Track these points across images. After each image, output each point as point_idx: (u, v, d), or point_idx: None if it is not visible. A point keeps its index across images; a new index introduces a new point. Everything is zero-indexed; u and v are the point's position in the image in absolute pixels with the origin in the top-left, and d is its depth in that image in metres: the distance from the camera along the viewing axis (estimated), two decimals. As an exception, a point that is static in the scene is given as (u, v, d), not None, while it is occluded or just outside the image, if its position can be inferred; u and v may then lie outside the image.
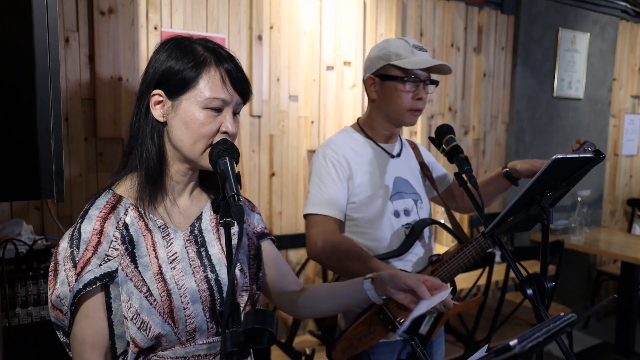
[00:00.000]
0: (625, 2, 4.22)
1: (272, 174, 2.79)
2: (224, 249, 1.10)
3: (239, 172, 0.95)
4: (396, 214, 1.63)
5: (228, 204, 0.88)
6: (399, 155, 1.72)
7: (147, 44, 2.38)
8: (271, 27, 2.70)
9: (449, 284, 1.65)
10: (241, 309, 1.15)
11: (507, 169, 1.71)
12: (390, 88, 1.59)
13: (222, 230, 1.12)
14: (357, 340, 1.60)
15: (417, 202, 1.69)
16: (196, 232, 1.09)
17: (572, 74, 3.99)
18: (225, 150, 0.96)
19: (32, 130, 1.17)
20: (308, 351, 2.46)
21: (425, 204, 1.72)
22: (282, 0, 2.72)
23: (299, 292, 1.22)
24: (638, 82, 4.64)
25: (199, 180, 1.13)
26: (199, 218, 1.11)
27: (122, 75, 2.32)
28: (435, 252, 1.71)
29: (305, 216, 1.64)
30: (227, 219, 0.87)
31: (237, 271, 1.11)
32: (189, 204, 1.11)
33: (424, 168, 1.79)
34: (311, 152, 2.90)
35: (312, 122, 2.88)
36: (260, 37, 2.67)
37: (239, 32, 2.61)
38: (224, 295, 1.07)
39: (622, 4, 4.20)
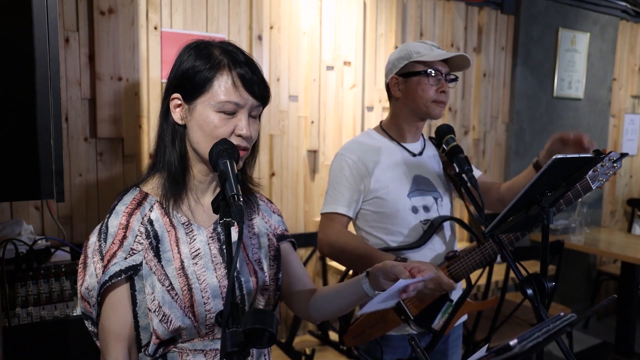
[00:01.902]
0: (625, 2, 4.22)
1: (272, 174, 2.79)
2: (246, 248, 1.13)
3: (239, 172, 0.95)
4: (414, 210, 1.66)
5: (228, 204, 0.88)
6: (420, 153, 1.75)
7: (147, 44, 2.38)
8: (271, 27, 2.70)
9: (462, 281, 1.67)
10: (261, 307, 1.15)
11: (537, 159, 1.72)
12: (414, 83, 1.65)
13: (245, 229, 1.15)
14: (369, 328, 1.63)
15: (437, 199, 1.71)
16: (219, 229, 1.11)
17: (572, 74, 3.99)
18: (225, 150, 0.96)
19: (32, 130, 1.17)
20: (308, 351, 2.46)
21: (446, 202, 1.74)
22: (282, 0, 2.72)
23: (311, 295, 1.22)
24: (638, 82, 4.64)
25: None
26: None
27: (122, 75, 2.32)
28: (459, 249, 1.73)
29: (321, 214, 1.71)
30: (227, 219, 0.87)
31: (257, 269, 1.12)
32: None
33: (448, 167, 1.80)
34: (311, 152, 2.91)
35: (312, 122, 2.88)
36: (260, 37, 2.67)
37: (239, 32, 2.61)
38: (244, 293, 1.09)
39: (622, 4, 4.20)
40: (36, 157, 1.17)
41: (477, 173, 1.87)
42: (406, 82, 1.67)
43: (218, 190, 1.13)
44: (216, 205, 0.91)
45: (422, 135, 1.81)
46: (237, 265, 1.09)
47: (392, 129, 1.75)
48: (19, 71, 1.15)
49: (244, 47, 2.61)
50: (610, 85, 4.31)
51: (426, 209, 1.68)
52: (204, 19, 2.51)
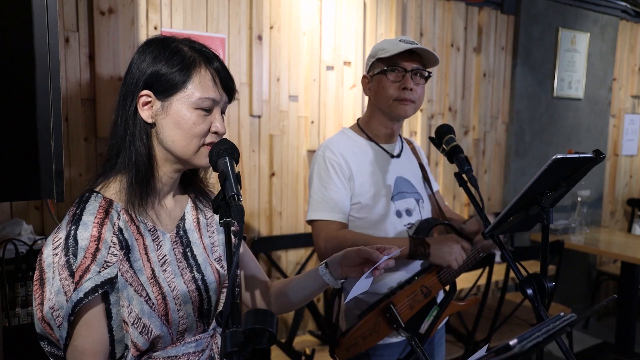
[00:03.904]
0: (625, 2, 4.22)
1: (272, 174, 2.79)
2: (206, 248, 1.13)
3: (238, 172, 0.95)
4: (398, 214, 1.64)
5: (228, 203, 0.89)
6: (399, 155, 1.72)
7: (147, 44, 2.38)
8: (271, 27, 2.70)
9: (448, 286, 1.66)
10: (221, 304, 1.14)
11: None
12: (377, 81, 1.63)
13: (203, 229, 1.14)
14: (361, 339, 1.61)
15: (418, 201, 1.69)
16: (181, 232, 1.10)
17: (572, 74, 3.99)
18: (225, 150, 0.96)
19: (32, 130, 1.17)
20: (308, 351, 2.46)
21: (426, 203, 1.72)
22: (282, 0, 2.72)
23: (268, 289, 1.25)
24: (638, 82, 4.64)
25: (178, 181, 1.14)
26: (183, 218, 1.12)
27: (122, 75, 2.32)
28: None
29: (310, 222, 1.63)
30: (227, 219, 0.88)
31: (219, 268, 1.13)
32: (173, 205, 1.11)
33: (422, 170, 1.80)
34: (311, 152, 2.90)
35: (312, 122, 2.88)
36: (260, 37, 2.67)
37: (239, 32, 2.61)
38: (211, 294, 1.10)
39: (622, 4, 4.20)
40: (36, 157, 1.17)
41: (435, 187, 1.84)
42: (372, 81, 1.65)
43: (177, 192, 1.13)
44: (216, 205, 0.90)
45: (400, 135, 1.77)
46: (203, 268, 1.09)
47: (368, 129, 1.70)
48: (19, 71, 1.15)
49: (244, 47, 2.63)
50: (610, 85, 4.31)
51: (409, 212, 1.65)
52: (204, 19, 2.51)
